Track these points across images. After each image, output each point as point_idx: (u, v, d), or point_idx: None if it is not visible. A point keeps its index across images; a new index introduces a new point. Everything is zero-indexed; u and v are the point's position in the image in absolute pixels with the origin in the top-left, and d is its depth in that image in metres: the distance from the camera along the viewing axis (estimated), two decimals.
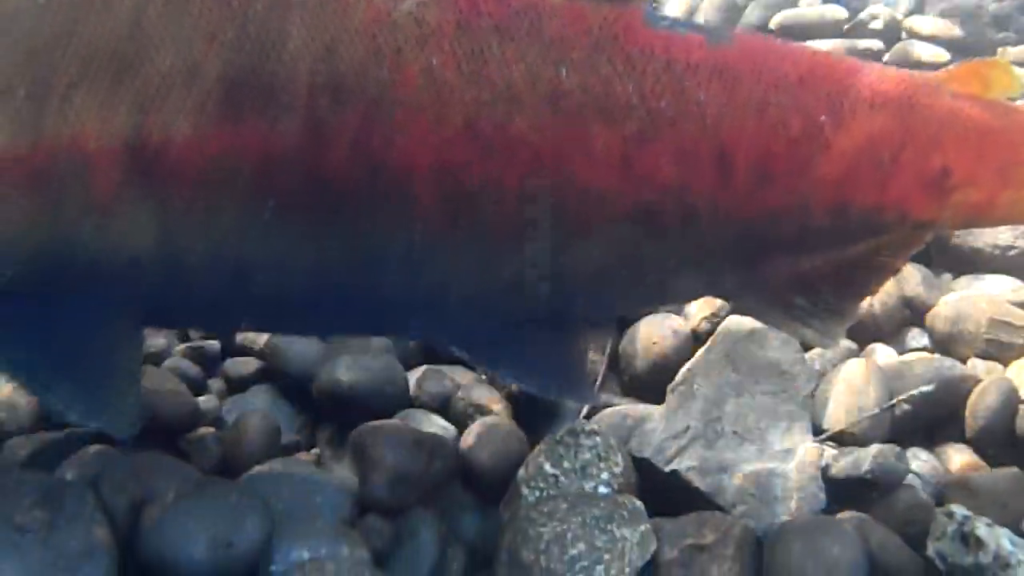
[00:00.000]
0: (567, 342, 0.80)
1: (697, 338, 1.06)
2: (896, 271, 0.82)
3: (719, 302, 1.08)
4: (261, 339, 1.00)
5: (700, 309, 1.08)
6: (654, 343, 1.04)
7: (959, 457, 0.91)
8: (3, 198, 0.63)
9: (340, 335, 0.97)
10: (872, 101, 0.74)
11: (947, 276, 1.14)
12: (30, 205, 0.63)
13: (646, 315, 1.06)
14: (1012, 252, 1.11)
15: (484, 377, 1.02)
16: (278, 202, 0.65)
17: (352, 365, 0.94)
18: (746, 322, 1.06)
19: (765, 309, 0.82)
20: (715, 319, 1.07)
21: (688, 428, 0.90)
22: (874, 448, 0.87)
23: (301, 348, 0.97)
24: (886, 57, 1.54)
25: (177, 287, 0.68)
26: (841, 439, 0.94)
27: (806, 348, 1.06)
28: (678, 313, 1.09)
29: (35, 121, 0.62)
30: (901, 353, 1.05)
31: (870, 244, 0.77)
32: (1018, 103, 0.81)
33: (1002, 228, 1.11)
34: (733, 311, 1.03)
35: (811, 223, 0.75)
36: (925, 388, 0.92)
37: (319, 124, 0.63)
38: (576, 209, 0.70)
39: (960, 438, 0.94)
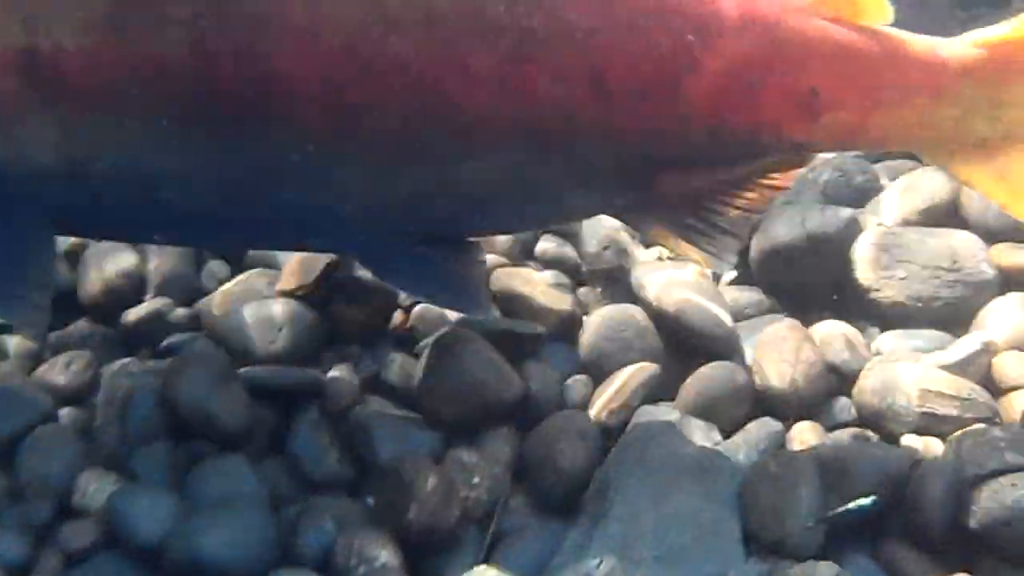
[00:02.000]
0: (466, 259, 0.86)
1: (608, 435, 0.95)
2: (782, 191, 0.88)
3: (630, 387, 0.98)
4: (98, 500, 0.85)
5: (608, 400, 0.97)
6: (560, 449, 0.92)
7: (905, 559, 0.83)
8: None
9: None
10: (740, 22, 0.77)
11: (874, 331, 1.05)
12: None
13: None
14: (936, 303, 1.03)
15: (371, 502, 0.89)
16: (171, 116, 0.70)
17: (212, 524, 0.80)
18: (660, 413, 0.95)
19: (661, 230, 0.88)
20: (626, 410, 0.97)
21: (601, 563, 0.79)
22: (809, 567, 0.78)
23: (148, 507, 0.82)
24: None
25: (83, 196, 0.74)
26: (775, 549, 0.84)
27: (727, 434, 0.96)
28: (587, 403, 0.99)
29: None
30: (830, 429, 0.96)
31: (753, 164, 0.83)
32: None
33: (922, 278, 1.03)
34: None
35: (691, 142, 0.80)
36: (864, 501, 0.82)
37: (204, 40, 0.68)
38: (458, 128, 0.74)
39: (906, 533, 0.85)
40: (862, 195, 1.18)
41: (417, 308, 1.06)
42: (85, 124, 0.70)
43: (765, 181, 0.85)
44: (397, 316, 1.05)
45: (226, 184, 0.74)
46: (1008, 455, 0.82)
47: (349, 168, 0.75)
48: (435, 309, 1.05)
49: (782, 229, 1.08)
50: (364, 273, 1.01)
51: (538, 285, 1.07)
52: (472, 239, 0.87)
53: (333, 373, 0.95)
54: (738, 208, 0.85)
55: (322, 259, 0.99)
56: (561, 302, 1.06)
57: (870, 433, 0.94)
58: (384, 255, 0.82)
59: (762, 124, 0.80)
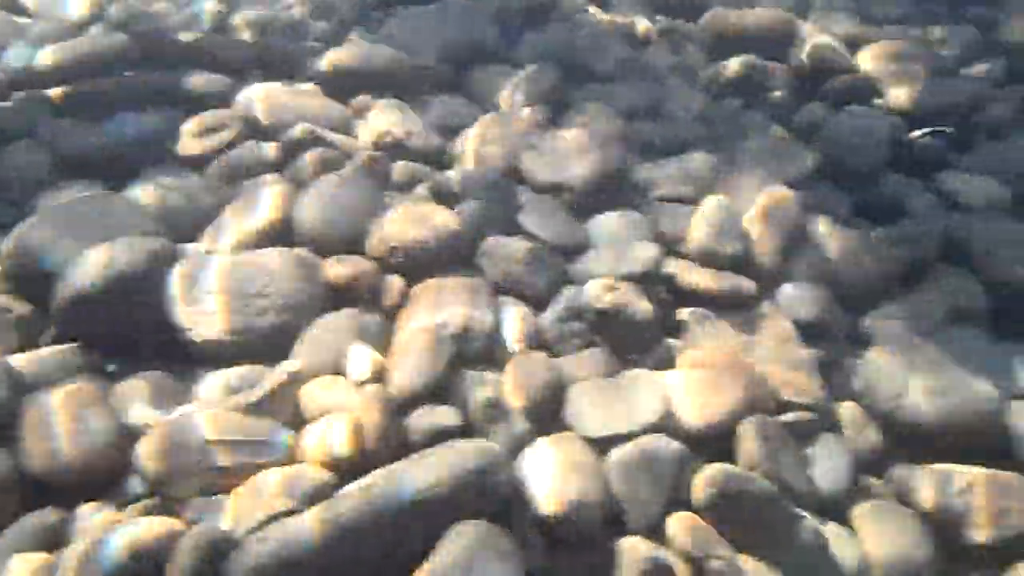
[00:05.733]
0: None
1: None
2: None
3: None
4: None
5: None
6: None
7: None
8: None
9: None
10: None
11: (198, 375, 0.92)
12: None
13: None
14: (252, 335, 0.91)
15: None
16: None
17: None
18: None
19: None
20: None
21: None
22: None
23: None
24: None
25: None
26: None
27: None
28: None
29: None
30: (122, 506, 0.81)
31: None
32: None
33: (236, 308, 0.93)
34: None
35: None
36: None
37: None
38: None
39: None
40: (204, 219, 1.07)
41: None
42: None
43: None
44: None
45: None
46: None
47: None
48: None
49: (81, 271, 0.93)
50: None
51: None
52: None
53: None
54: None
55: None
56: None
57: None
58: None
59: None
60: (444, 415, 0.86)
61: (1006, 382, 1.02)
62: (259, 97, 1.23)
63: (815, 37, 1.55)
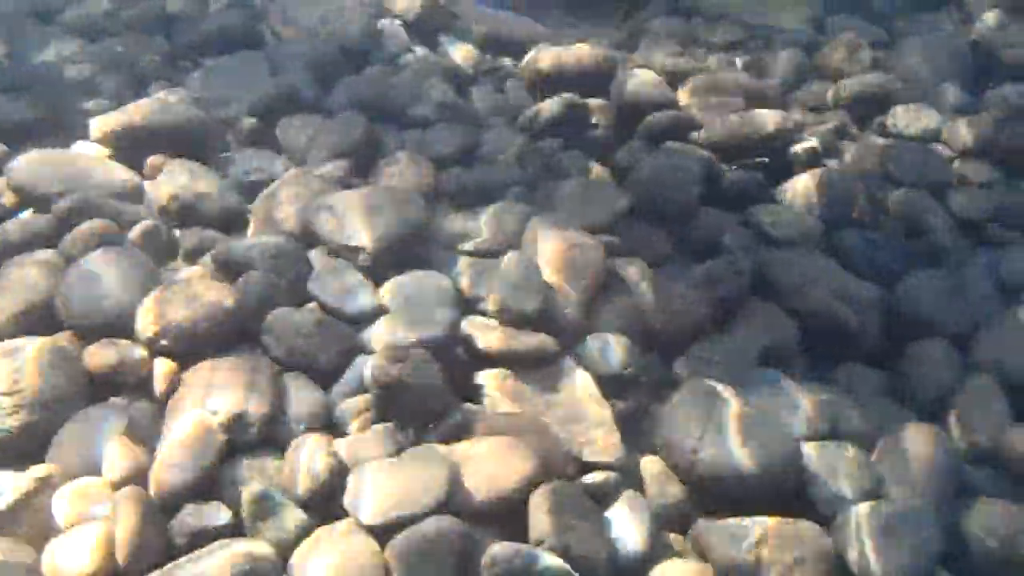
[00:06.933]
0: None
1: None
2: None
3: None
4: None
5: None
6: None
7: None
8: None
9: None
10: None
11: None
12: None
13: None
14: None
15: None
16: None
17: None
18: None
19: None
20: None
21: None
22: None
23: None
24: None
25: None
26: None
27: None
28: None
29: None
30: None
31: None
32: None
33: None
34: None
35: None
36: None
37: None
38: None
39: None
40: None
41: None
42: None
43: None
44: None
45: None
46: None
47: None
48: None
49: None
50: None
51: None
52: None
53: None
54: None
55: None
56: None
57: None
58: None
59: None
60: (211, 513, 0.79)
61: (803, 424, 1.03)
62: (34, 164, 1.14)
63: (636, 72, 1.56)
